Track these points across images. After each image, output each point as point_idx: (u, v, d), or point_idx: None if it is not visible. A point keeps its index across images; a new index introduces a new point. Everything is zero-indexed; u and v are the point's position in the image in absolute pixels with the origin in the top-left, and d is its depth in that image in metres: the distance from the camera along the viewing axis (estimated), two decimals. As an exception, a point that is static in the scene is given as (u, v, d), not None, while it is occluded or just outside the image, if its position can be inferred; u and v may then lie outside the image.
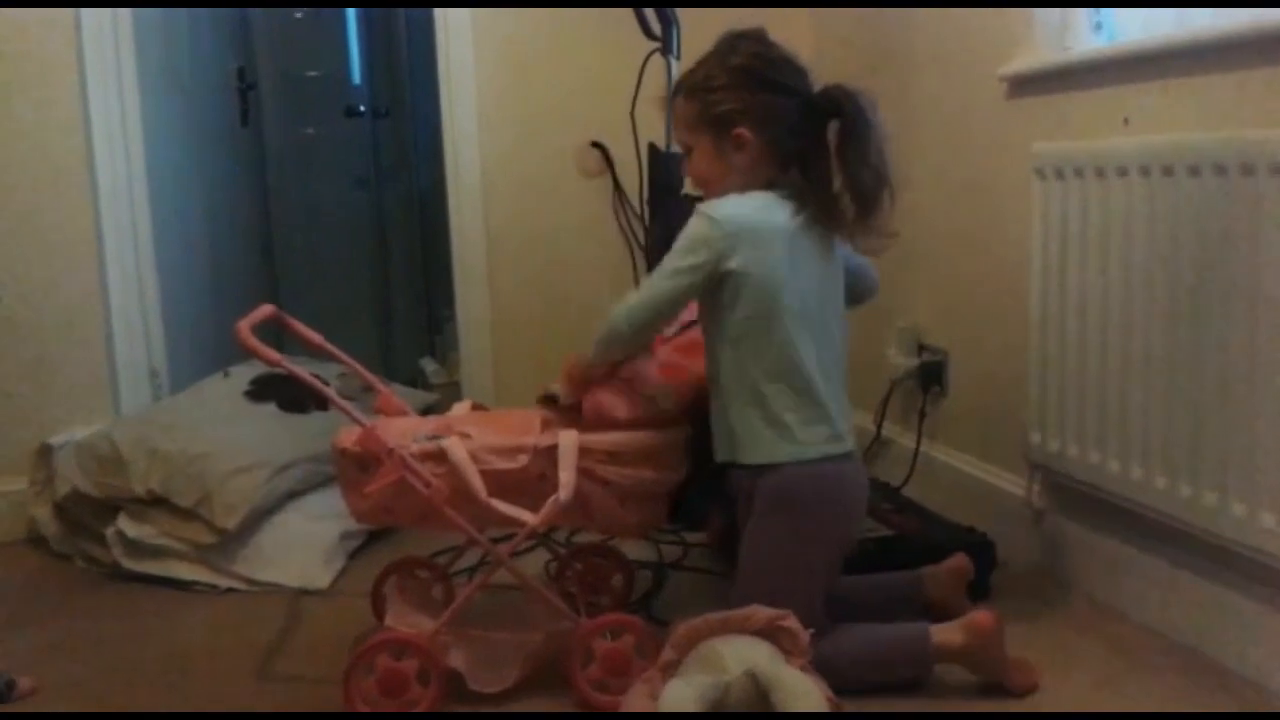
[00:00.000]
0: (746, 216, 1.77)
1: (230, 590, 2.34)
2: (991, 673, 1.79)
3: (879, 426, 2.86)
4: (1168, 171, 1.82)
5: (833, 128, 1.79)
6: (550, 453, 1.79)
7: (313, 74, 4.67)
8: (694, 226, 1.77)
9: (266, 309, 1.86)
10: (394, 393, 2.14)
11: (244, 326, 1.73)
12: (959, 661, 1.80)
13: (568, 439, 1.79)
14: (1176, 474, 1.84)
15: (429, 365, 4.11)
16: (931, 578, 1.99)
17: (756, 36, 1.83)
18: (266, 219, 4.57)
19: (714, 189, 1.84)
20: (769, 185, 1.81)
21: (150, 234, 2.92)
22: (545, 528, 1.86)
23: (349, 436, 1.82)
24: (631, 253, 3.11)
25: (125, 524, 2.40)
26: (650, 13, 2.68)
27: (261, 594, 2.33)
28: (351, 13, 4.70)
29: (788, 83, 1.80)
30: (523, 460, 1.79)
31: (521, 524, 1.78)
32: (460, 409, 2.13)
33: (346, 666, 1.76)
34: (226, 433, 2.53)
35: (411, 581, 2.08)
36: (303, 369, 1.82)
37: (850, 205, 1.77)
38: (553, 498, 1.77)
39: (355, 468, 1.80)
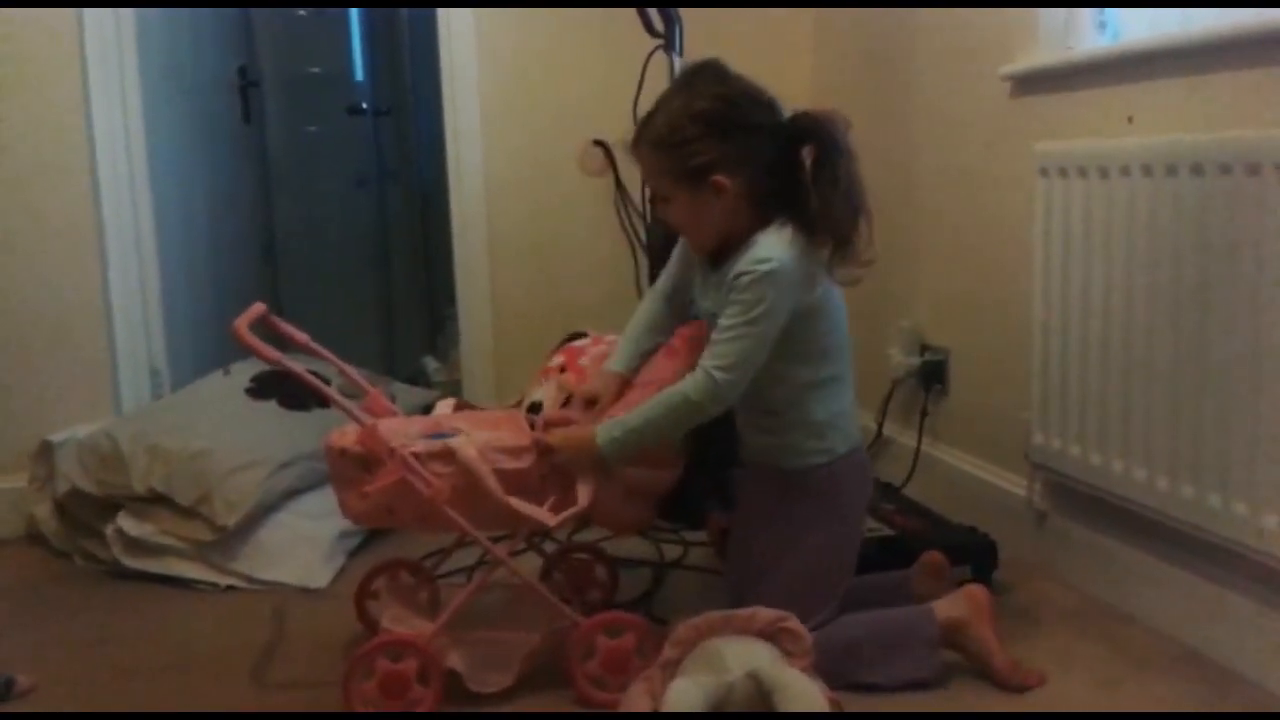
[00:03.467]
0: (787, 251, 1.73)
1: (230, 588, 2.34)
2: (980, 653, 1.81)
3: (880, 425, 2.86)
4: (1171, 171, 1.81)
5: (807, 154, 1.77)
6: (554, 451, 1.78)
7: (315, 71, 4.66)
8: (767, 279, 1.71)
9: (258, 307, 1.85)
10: (396, 391, 2.15)
11: (242, 325, 1.73)
12: (960, 639, 1.82)
13: None
14: (1179, 475, 1.84)
15: (431, 363, 4.11)
16: (914, 580, 2.00)
17: (716, 72, 1.78)
18: (268, 217, 4.57)
19: (697, 235, 1.85)
20: (764, 221, 1.77)
21: (152, 232, 2.92)
22: (559, 528, 1.85)
23: (347, 436, 1.81)
24: (634, 251, 3.11)
25: (126, 522, 2.39)
26: (653, 11, 2.67)
27: (262, 592, 2.32)
28: (354, 10, 4.70)
29: (757, 120, 1.76)
30: (529, 459, 1.78)
31: (537, 522, 1.77)
32: (444, 407, 2.13)
33: (345, 668, 1.75)
34: (227, 430, 2.52)
35: (398, 584, 2.07)
36: (301, 366, 1.81)
37: (826, 234, 1.74)
38: (555, 500, 1.77)
39: (356, 467, 1.79)
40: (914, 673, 1.80)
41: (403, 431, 1.83)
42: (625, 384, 1.90)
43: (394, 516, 1.84)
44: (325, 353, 2.01)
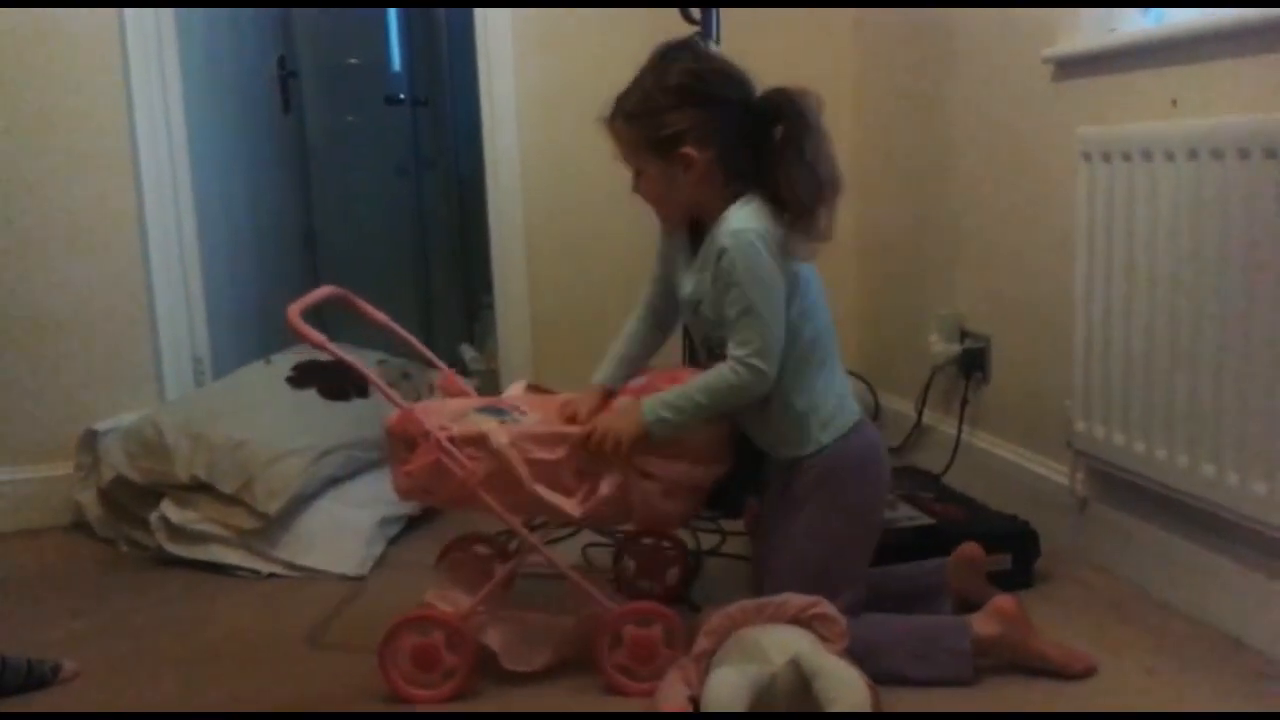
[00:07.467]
0: (760, 221, 1.76)
1: (272, 575, 2.37)
2: (1029, 657, 1.78)
3: (920, 414, 2.84)
4: (1216, 155, 1.79)
5: (779, 132, 1.78)
6: None
7: (353, 62, 4.68)
8: (751, 251, 1.73)
9: (324, 290, 1.89)
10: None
11: (295, 311, 1.75)
12: (997, 651, 1.79)
13: None
14: (1223, 462, 1.81)
15: (468, 352, 4.12)
16: (949, 569, 1.98)
17: (689, 49, 1.83)
18: (308, 206, 4.60)
19: (666, 208, 1.87)
20: (733, 197, 1.79)
21: (193, 222, 2.95)
22: (586, 520, 1.86)
23: (393, 417, 1.84)
24: (670, 239, 3.10)
25: (169, 509, 2.42)
26: (694, 5, 2.67)
27: (302, 579, 2.35)
28: (390, 0, 4.72)
29: (726, 95, 1.78)
30: (561, 451, 1.78)
31: (563, 513, 1.78)
32: (515, 389, 2.15)
33: (380, 641, 1.79)
34: (269, 419, 2.55)
35: (468, 557, 2.10)
36: (341, 353, 1.83)
37: (789, 207, 1.76)
38: (585, 492, 1.77)
39: (402, 446, 1.82)
40: (942, 676, 1.77)
41: (448, 413, 1.85)
42: (607, 397, 1.90)
43: (432, 495, 1.88)
44: (404, 332, 2.08)
